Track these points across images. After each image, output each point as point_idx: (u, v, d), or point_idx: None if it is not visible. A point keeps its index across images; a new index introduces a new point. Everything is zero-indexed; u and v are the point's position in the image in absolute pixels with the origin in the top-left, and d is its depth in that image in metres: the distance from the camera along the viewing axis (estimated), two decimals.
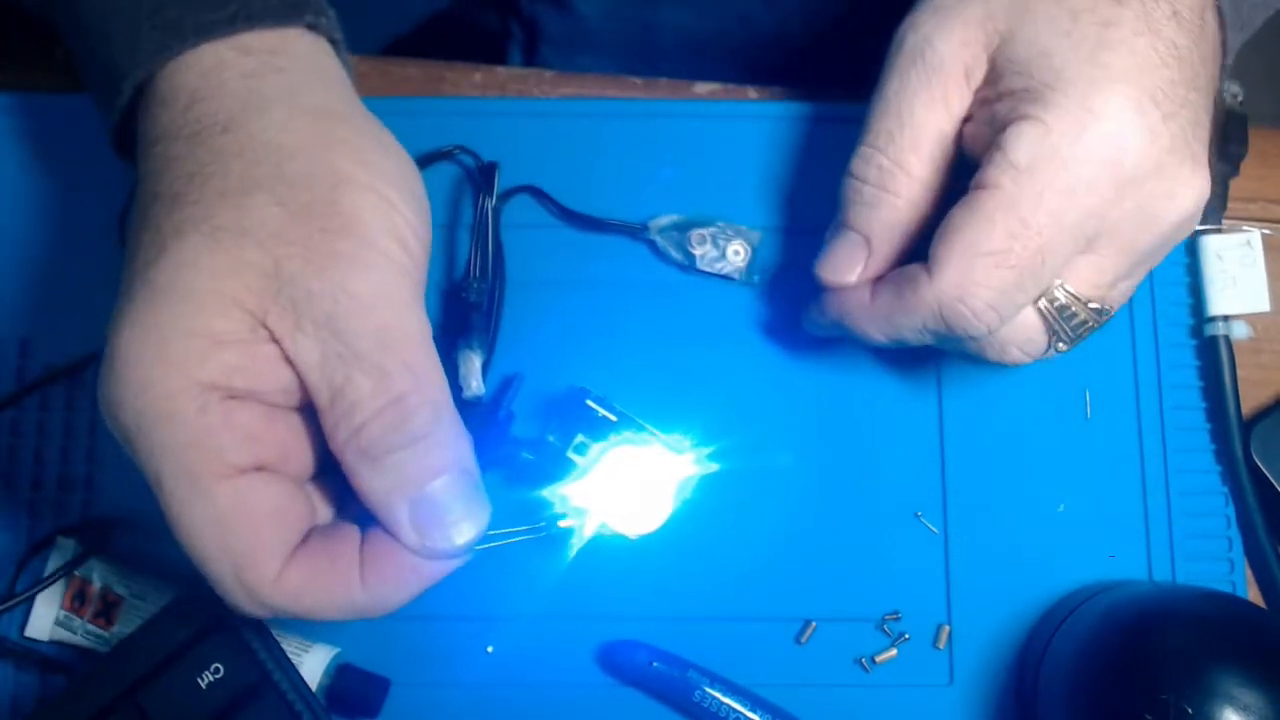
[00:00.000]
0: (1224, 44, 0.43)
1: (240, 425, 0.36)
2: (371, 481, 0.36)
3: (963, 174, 0.42)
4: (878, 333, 0.44)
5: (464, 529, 0.37)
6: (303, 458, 0.39)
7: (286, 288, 0.35)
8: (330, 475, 0.40)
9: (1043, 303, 0.42)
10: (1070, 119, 0.39)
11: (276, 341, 0.36)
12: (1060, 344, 0.43)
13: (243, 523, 0.35)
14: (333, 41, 0.42)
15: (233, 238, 0.35)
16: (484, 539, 0.38)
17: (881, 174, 0.43)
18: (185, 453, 0.35)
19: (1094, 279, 0.41)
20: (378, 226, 0.37)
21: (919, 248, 0.44)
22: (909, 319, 0.42)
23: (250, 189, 0.36)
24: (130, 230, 0.38)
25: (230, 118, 0.37)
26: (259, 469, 0.37)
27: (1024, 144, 0.39)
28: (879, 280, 0.44)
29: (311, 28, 0.41)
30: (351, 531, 0.38)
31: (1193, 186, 0.40)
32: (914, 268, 0.41)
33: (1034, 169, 0.39)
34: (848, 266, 0.44)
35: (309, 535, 0.38)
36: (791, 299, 0.50)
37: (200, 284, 0.35)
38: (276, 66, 0.39)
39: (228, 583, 0.36)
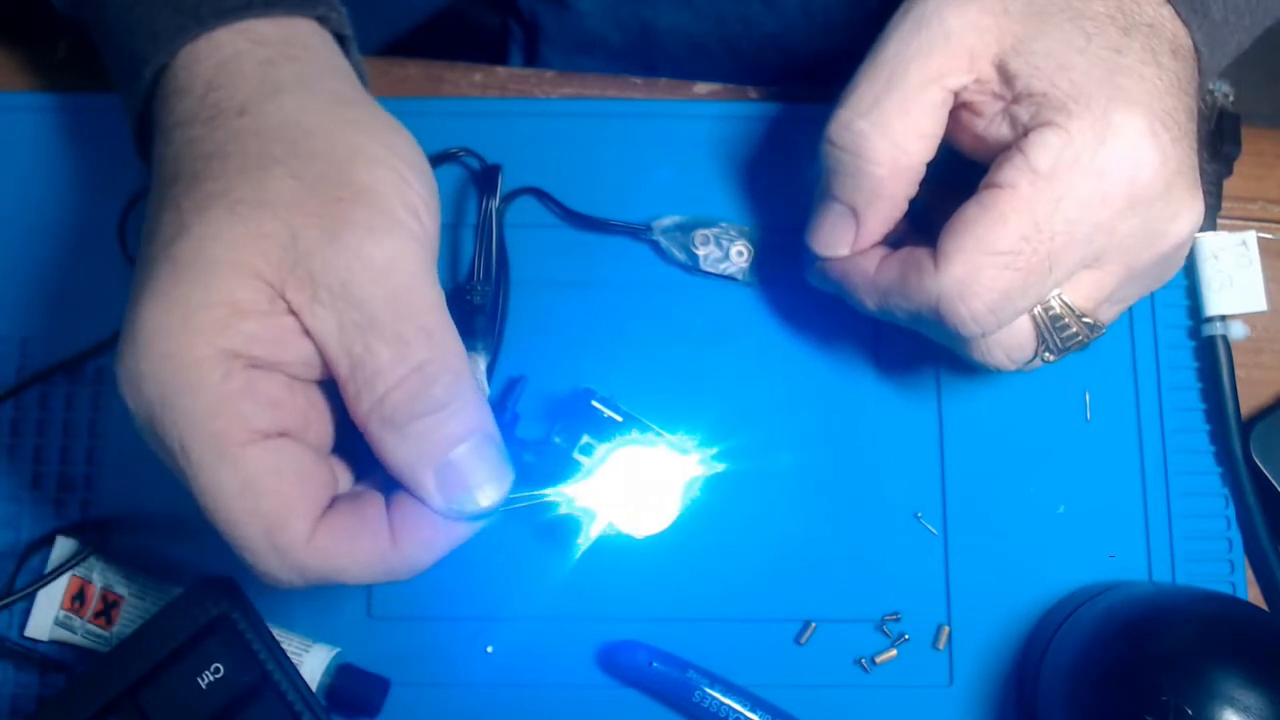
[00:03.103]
0: (1199, 86, 0.44)
1: (263, 392, 0.36)
2: (397, 450, 0.37)
3: (957, 169, 0.42)
4: (871, 303, 0.44)
5: (489, 491, 0.38)
6: (323, 428, 0.39)
7: (303, 259, 0.36)
8: (348, 448, 0.40)
9: (1037, 310, 0.41)
10: (1093, 132, 0.39)
11: (295, 314, 0.36)
12: (1048, 354, 0.43)
13: (271, 485, 0.36)
14: (343, 37, 0.43)
15: (251, 210, 0.36)
16: (507, 500, 0.38)
17: (860, 140, 0.42)
18: (210, 420, 0.35)
19: (1093, 293, 0.42)
20: (392, 195, 0.37)
21: (924, 224, 0.44)
22: (906, 303, 0.42)
23: (268, 165, 0.37)
24: (148, 212, 0.39)
25: (246, 100, 0.38)
26: (282, 435, 0.37)
27: (1047, 150, 0.39)
28: (888, 256, 0.43)
29: (322, 20, 0.42)
30: (376, 496, 0.38)
31: (1194, 210, 0.41)
32: (922, 253, 0.41)
33: (1054, 175, 0.39)
34: (838, 239, 0.44)
35: (334, 501, 0.38)
36: (794, 300, 0.50)
37: (221, 256, 0.35)
38: (290, 56, 0.40)
39: (259, 546, 0.36)
